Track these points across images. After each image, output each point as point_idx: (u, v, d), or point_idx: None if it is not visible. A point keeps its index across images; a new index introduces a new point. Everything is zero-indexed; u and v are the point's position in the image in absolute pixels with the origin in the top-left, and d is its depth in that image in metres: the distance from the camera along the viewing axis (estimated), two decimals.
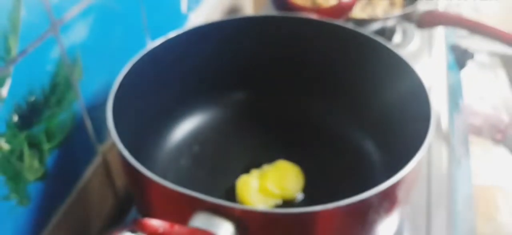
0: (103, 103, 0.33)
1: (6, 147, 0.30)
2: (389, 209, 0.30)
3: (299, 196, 0.41)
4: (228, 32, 0.44)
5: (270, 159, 0.43)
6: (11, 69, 0.29)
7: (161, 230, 0.24)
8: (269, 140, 0.46)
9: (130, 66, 0.36)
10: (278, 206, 0.40)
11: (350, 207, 0.26)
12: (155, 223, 0.24)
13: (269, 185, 0.40)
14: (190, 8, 0.55)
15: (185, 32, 0.41)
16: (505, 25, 0.60)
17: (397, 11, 0.69)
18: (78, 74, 0.36)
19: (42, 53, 0.32)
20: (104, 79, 0.39)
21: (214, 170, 0.43)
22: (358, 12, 0.69)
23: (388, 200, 0.29)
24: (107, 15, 0.38)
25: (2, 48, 0.28)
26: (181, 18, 0.53)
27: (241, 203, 0.40)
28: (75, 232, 0.38)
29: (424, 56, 0.67)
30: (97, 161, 0.40)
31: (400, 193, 0.30)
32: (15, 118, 0.30)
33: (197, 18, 0.57)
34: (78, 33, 0.35)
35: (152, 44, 0.39)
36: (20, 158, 0.31)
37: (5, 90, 0.29)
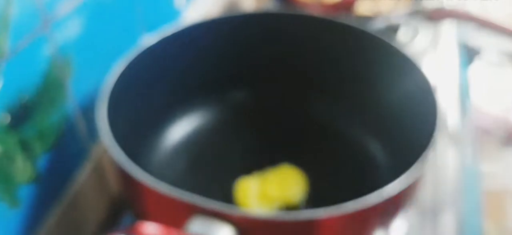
0: (96, 104, 0.33)
1: None
2: (394, 213, 0.30)
3: (301, 201, 0.40)
4: (228, 29, 0.44)
5: (271, 161, 0.43)
6: (2, 67, 0.29)
7: (156, 234, 0.24)
8: (269, 141, 0.46)
9: (124, 65, 0.36)
10: (279, 211, 0.40)
11: (354, 212, 0.26)
12: (150, 227, 0.24)
13: (269, 190, 0.40)
14: (186, 5, 0.55)
15: (182, 29, 0.41)
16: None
17: (403, 8, 0.69)
18: (70, 72, 0.36)
19: (33, 52, 0.31)
20: (97, 78, 0.39)
21: (213, 172, 0.43)
22: (362, 9, 0.69)
23: (394, 204, 0.29)
24: (100, 11, 0.38)
25: None
26: (179, 14, 0.53)
27: (239, 205, 0.40)
28: None
29: (431, 54, 0.67)
30: (90, 162, 0.40)
31: (407, 197, 0.30)
32: (7, 118, 0.30)
33: (195, 12, 0.56)
34: (71, 31, 0.35)
35: (147, 41, 0.39)
36: (12, 159, 0.31)
37: None
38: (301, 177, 0.42)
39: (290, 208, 0.40)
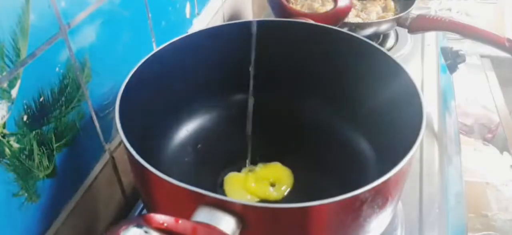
0: (111, 104, 0.33)
1: (16, 145, 0.30)
2: (381, 204, 0.30)
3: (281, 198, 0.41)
4: (231, 36, 0.44)
5: (268, 157, 0.43)
6: (21, 71, 0.29)
7: (165, 224, 0.25)
8: (268, 138, 0.46)
9: (137, 69, 0.36)
10: (277, 202, 0.40)
11: (344, 203, 0.27)
12: (160, 217, 0.24)
13: (251, 184, 0.41)
14: (193, 15, 0.55)
15: (190, 36, 0.41)
16: (496, 28, 0.60)
17: (390, 16, 0.69)
18: (86, 76, 0.36)
19: (51, 56, 0.32)
20: (111, 81, 0.39)
21: (217, 167, 0.44)
22: (353, 17, 0.70)
23: (380, 196, 0.29)
24: (115, 20, 0.39)
25: (12, 51, 0.28)
26: (186, 23, 0.53)
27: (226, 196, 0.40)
28: (83, 227, 0.38)
29: (417, 59, 0.67)
30: (104, 159, 0.41)
31: (391, 190, 0.30)
32: (25, 118, 0.30)
33: (200, 24, 0.57)
34: (87, 37, 0.35)
35: (157, 48, 0.39)
36: (30, 156, 0.31)
37: (15, 91, 0.29)
38: (288, 176, 0.42)
39: (286, 199, 0.40)
